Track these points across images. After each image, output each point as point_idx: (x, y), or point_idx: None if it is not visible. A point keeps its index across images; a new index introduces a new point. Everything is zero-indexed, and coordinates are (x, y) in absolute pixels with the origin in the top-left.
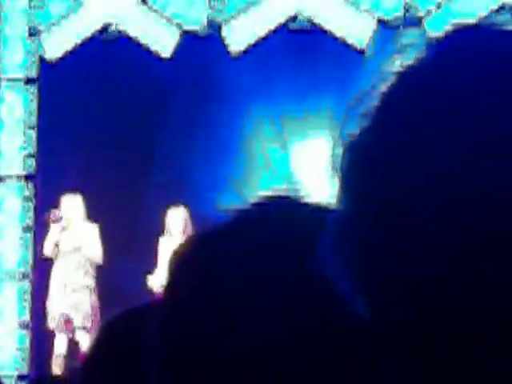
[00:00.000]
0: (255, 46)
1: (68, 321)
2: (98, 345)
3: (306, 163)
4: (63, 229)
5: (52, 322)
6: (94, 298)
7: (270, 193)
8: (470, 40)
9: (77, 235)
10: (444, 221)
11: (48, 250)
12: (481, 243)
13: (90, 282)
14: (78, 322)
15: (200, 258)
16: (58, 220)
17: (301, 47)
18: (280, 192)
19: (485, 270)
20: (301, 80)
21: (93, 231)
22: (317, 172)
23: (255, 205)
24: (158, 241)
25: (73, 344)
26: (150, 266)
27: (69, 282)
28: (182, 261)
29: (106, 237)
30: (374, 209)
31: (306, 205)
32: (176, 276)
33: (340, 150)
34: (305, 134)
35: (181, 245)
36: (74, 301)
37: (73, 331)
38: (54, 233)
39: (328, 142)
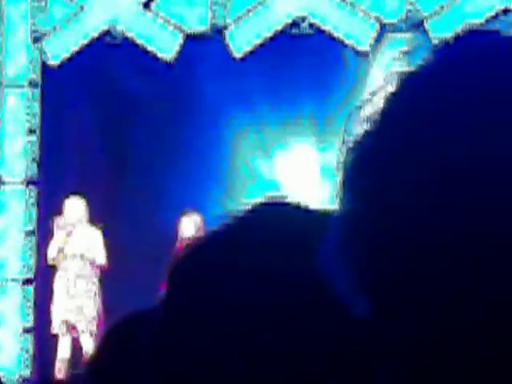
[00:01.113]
0: (254, 50)
1: (71, 326)
2: (101, 350)
3: (290, 170)
4: (67, 234)
5: (55, 328)
6: (99, 302)
7: (262, 199)
8: (475, 44)
9: (80, 240)
10: (449, 223)
11: (52, 255)
12: (488, 249)
13: (94, 286)
14: (81, 326)
15: (197, 267)
16: (63, 225)
17: (281, 54)
18: (271, 198)
19: (494, 277)
20: (281, 86)
21: (96, 235)
22: (302, 178)
23: (251, 211)
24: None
25: (76, 349)
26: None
27: (72, 286)
28: (178, 270)
29: (109, 241)
30: (380, 210)
31: (303, 209)
32: (172, 285)
33: (343, 153)
34: (288, 141)
35: (178, 254)
36: (77, 306)
37: (77, 336)
38: (57, 238)
39: (311, 148)
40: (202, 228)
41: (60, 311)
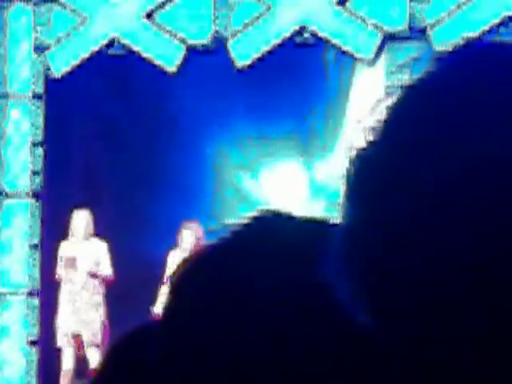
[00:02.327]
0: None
1: (77, 338)
2: (106, 364)
3: (275, 187)
4: (73, 247)
5: (61, 340)
6: (104, 314)
7: (259, 211)
8: (477, 53)
9: (86, 252)
10: (453, 232)
11: (59, 268)
12: (494, 254)
13: (99, 298)
14: (87, 338)
15: (198, 279)
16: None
17: (280, 66)
18: (267, 211)
19: (499, 282)
20: (261, 105)
21: (102, 248)
22: (286, 194)
23: (249, 222)
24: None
25: (82, 361)
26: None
27: (78, 299)
28: (180, 282)
29: (114, 253)
30: (383, 220)
31: (301, 219)
32: (174, 297)
33: (347, 163)
34: (273, 158)
35: (181, 263)
36: (82, 318)
37: (82, 348)
38: (63, 251)
39: (296, 165)
40: (202, 238)
41: (65, 323)
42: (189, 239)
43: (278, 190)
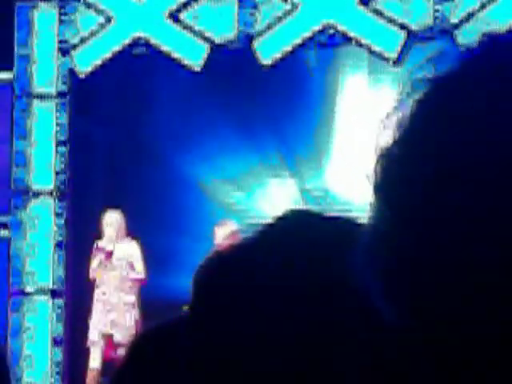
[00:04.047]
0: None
1: (108, 338)
2: (126, 361)
3: (268, 202)
4: (107, 248)
5: (92, 339)
6: (136, 314)
7: (288, 209)
8: (501, 48)
9: (119, 253)
10: (478, 229)
11: (93, 270)
12: None
13: (132, 298)
14: (118, 338)
15: (224, 272)
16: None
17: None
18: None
19: None
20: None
21: (134, 248)
22: (279, 209)
23: (278, 219)
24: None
25: (109, 360)
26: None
27: (110, 299)
28: (204, 277)
29: (143, 253)
30: (408, 218)
31: (330, 217)
32: (199, 292)
33: (374, 161)
34: (264, 172)
35: (204, 261)
36: (114, 318)
37: (114, 348)
38: (98, 253)
39: (289, 179)
40: (235, 235)
41: (97, 323)
42: (220, 237)
43: (270, 205)
